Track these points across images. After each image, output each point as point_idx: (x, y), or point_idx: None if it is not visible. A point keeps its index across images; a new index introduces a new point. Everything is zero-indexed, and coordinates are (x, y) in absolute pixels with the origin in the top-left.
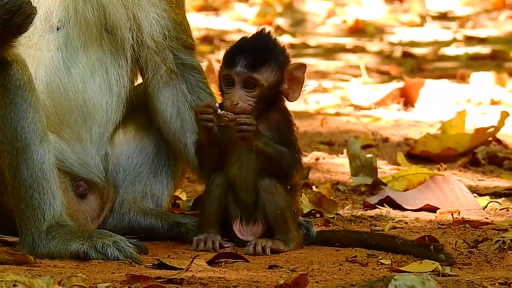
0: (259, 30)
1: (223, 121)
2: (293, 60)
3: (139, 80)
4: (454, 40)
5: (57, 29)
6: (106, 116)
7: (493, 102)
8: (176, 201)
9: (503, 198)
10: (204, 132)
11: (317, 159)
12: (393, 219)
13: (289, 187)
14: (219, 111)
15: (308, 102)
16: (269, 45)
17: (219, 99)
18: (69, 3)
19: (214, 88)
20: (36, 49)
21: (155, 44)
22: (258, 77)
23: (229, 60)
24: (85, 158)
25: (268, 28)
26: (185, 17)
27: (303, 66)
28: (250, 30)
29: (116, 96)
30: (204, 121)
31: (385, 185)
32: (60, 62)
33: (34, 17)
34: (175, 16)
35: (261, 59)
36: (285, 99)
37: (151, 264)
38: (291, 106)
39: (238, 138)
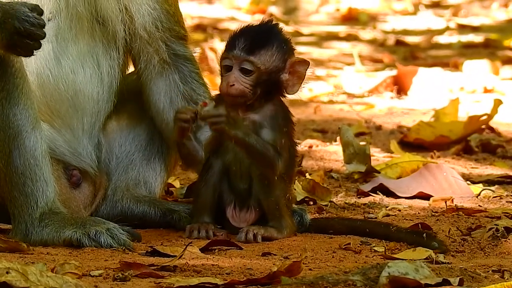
0: (265, 19)
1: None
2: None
3: (131, 69)
4: (447, 28)
5: (48, 20)
6: (97, 106)
7: (486, 90)
8: (170, 188)
9: (496, 186)
10: (179, 132)
11: (311, 146)
12: (387, 207)
13: (283, 175)
14: (199, 110)
15: (302, 91)
16: (272, 31)
17: (212, 87)
18: None
19: (207, 77)
20: None
21: (147, 35)
22: (255, 60)
23: (229, 44)
24: (77, 147)
25: (262, 17)
26: (178, 8)
27: (306, 63)
28: (244, 18)
29: (108, 86)
30: (181, 121)
31: (379, 172)
32: (51, 53)
33: (28, 55)
34: (168, 7)
35: (259, 43)
36: (284, 91)
37: (144, 252)
38: (287, 96)
39: (213, 130)
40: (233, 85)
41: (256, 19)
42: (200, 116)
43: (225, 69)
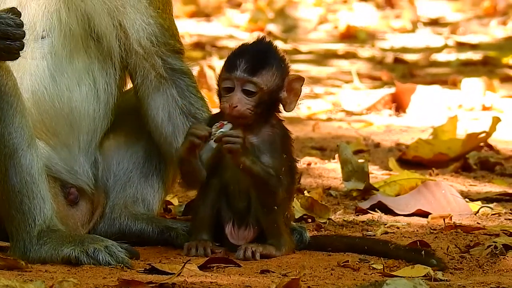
0: (259, 37)
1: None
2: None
3: (129, 85)
4: (446, 46)
5: (42, 38)
6: (93, 124)
7: (485, 108)
8: (168, 206)
9: (494, 203)
10: (189, 147)
11: (309, 164)
12: (385, 224)
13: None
14: (214, 131)
15: (300, 108)
16: (270, 50)
17: (211, 104)
18: (53, 12)
19: (206, 95)
20: (21, 58)
21: (143, 50)
22: (258, 81)
23: (229, 64)
24: (73, 165)
25: (262, 35)
26: (173, 22)
27: (302, 79)
28: (242, 36)
29: (104, 103)
30: (195, 136)
31: (377, 190)
32: (45, 71)
33: (12, 58)
34: (162, 22)
35: (261, 63)
36: (283, 108)
37: (143, 269)
38: (282, 112)
39: (225, 151)
40: (236, 106)
41: (254, 37)
42: (216, 137)
43: (226, 91)
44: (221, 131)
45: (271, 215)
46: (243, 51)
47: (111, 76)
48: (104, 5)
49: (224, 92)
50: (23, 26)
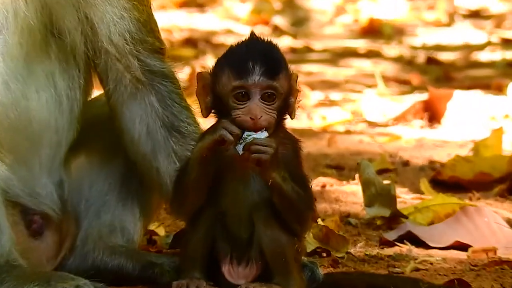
0: (252, 33)
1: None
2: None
3: (98, 90)
4: (489, 43)
5: None
6: (56, 136)
7: None
8: (153, 236)
9: None
10: (214, 142)
11: (324, 186)
12: (416, 259)
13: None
14: (245, 136)
15: (313, 118)
16: (275, 49)
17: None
18: (8, 5)
19: (195, 102)
20: None
21: (115, 49)
22: (278, 85)
23: (240, 69)
24: (35, 187)
25: (252, 31)
26: (152, 15)
27: (297, 76)
28: (243, 30)
29: (68, 112)
30: (226, 131)
31: (406, 217)
32: None
33: None
34: (138, 15)
35: (276, 65)
36: (289, 116)
37: None
38: (290, 122)
39: (253, 162)
40: (261, 116)
41: (258, 31)
42: (248, 143)
43: (239, 99)
44: (253, 137)
45: (278, 241)
46: (249, 51)
47: (74, 80)
48: None
49: (235, 102)
50: None
